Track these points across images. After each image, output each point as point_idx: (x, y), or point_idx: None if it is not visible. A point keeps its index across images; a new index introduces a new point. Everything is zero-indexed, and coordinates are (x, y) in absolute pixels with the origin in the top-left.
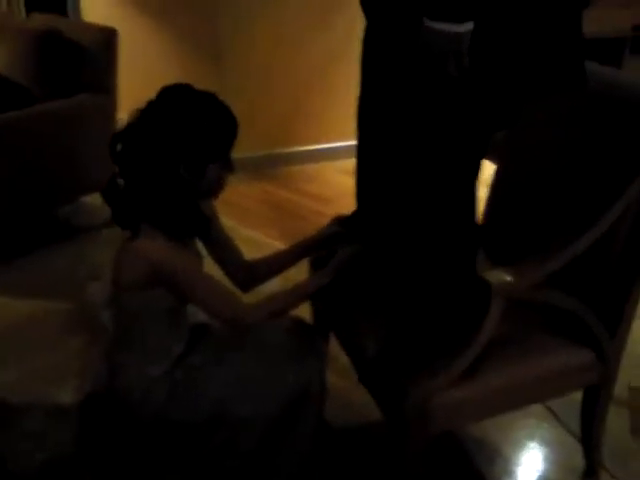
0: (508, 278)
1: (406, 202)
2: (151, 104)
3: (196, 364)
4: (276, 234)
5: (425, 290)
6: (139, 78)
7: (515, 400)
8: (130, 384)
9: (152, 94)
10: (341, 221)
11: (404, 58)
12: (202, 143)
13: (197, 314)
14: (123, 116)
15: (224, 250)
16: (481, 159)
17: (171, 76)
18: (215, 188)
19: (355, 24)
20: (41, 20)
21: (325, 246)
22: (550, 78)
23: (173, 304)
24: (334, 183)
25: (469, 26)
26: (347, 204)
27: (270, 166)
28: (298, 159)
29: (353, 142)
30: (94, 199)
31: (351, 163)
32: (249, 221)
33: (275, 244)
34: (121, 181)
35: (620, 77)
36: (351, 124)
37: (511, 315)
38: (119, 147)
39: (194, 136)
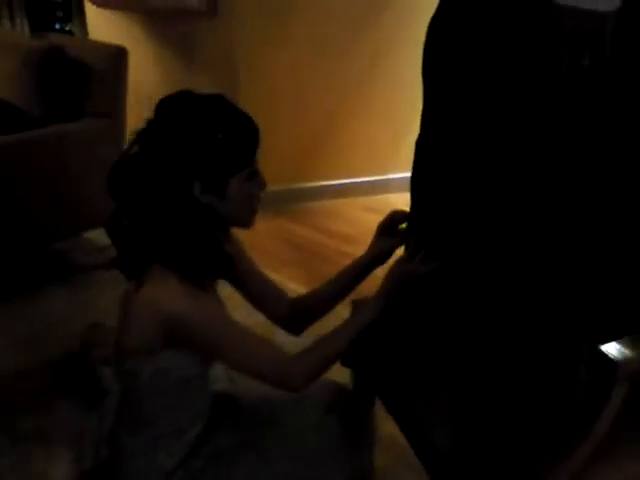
0: (633, 353)
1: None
2: (151, 122)
3: (218, 453)
4: (300, 277)
5: (529, 360)
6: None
7: None
8: (138, 476)
9: None
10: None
11: (506, 45)
12: (214, 149)
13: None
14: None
15: (259, 287)
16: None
17: None
18: (243, 209)
19: (379, 53)
20: (43, 38)
21: (384, 260)
22: None
23: (191, 371)
24: (357, 221)
25: (615, 3)
26: None
27: (289, 202)
28: (318, 194)
29: (376, 177)
30: (96, 234)
31: (374, 199)
32: (269, 263)
33: (301, 289)
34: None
35: None
36: (374, 158)
37: None
38: (118, 179)
39: (204, 143)
